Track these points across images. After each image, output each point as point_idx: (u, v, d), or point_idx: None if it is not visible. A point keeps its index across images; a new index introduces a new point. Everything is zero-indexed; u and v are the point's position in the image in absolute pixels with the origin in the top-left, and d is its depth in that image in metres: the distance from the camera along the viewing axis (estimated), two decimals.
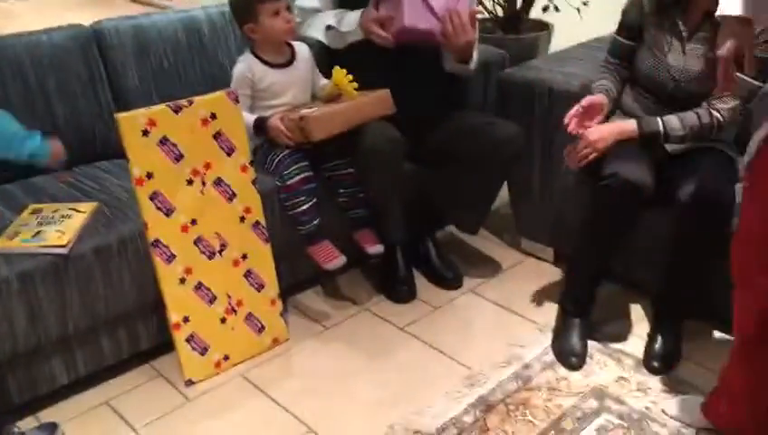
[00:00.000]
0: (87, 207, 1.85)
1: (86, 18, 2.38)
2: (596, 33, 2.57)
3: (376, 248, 2.18)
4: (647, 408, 1.80)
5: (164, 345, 1.98)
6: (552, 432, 1.74)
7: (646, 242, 2.01)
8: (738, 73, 1.43)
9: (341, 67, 2.06)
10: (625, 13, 2.04)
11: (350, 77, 2.04)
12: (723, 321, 2.01)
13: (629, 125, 1.92)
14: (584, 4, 2.99)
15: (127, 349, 1.93)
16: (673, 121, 1.88)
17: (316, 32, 2.17)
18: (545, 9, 3.22)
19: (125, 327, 1.89)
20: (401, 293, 2.29)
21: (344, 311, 2.25)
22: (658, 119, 1.89)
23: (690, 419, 1.74)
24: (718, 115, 1.86)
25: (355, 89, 2.05)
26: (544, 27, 3.22)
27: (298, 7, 2.19)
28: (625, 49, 2.03)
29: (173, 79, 2.30)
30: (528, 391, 1.88)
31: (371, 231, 2.19)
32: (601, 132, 1.89)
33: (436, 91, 2.23)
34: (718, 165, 1.89)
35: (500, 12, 3.23)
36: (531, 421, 1.77)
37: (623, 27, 2.04)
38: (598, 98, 1.93)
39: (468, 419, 1.79)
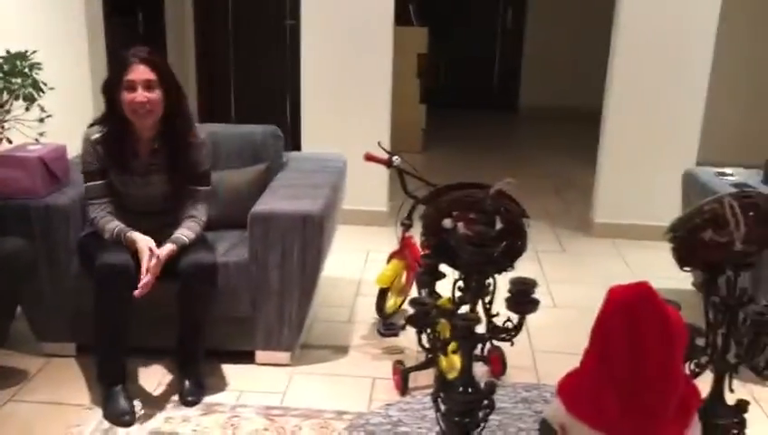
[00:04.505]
0: None
1: None
2: None
3: None
4: (194, 430, 2.35)
5: None
6: None
7: (158, 311, 2.56)
8: None
9: None
10: (84, 163, 2.52)
11: None
12: (225, 354, 2.73)
13: (171, 248, 2.44)
14: (41, 134, 3.39)
15: None
16: (189, 234, 2.51)
17: None
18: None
19: None
20: None
21: None
22: (182, 236, 2.48)
23: None
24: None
25: None
26: None
27: None
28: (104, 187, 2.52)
29: None
30: None
31: None
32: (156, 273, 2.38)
33: None
34: (202, 240, 2.60)
35: None
36: None
37: (89, 174, 2.51)
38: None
39: None
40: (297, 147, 4.36)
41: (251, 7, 5.83)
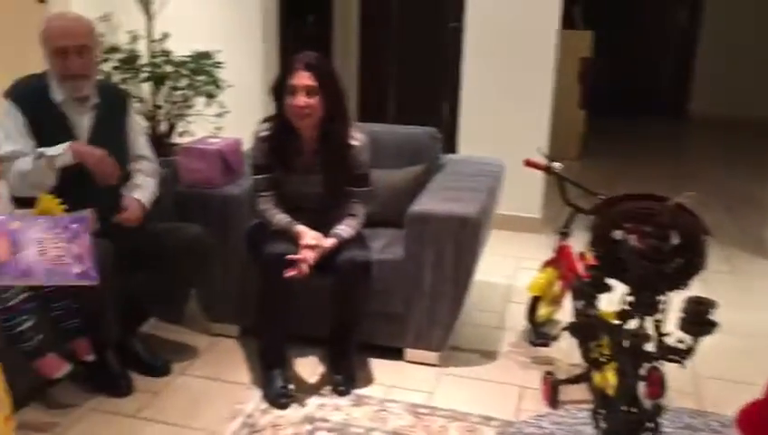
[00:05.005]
0: None
1: None
2: None
3: (91, 357, 2.43)
4: (344, 419, 2.43)
5: None
6: None
7: (316, 303, 2.66)
8: None
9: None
10: (253, 158, 2.65)
11: (58, 200, 2.31)
12: (375, 349, 2.80)
13: (334, 242, 2.53)
14: (218, 128, 3.65)
15: None
16: (348, 231, 2.59)
17: (24, 164, 2.38)
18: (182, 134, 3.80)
19: None
20: (121, 387, 2.54)
21: (69, 416, 2.41)
22: (341, 232, 2.56)
23: None
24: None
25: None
26: None
27: (2, 156, 2.38)
28: (269, 181, 2.64)
29: None
30: (257, 432, 2.34)
31: (85, 340, 2.42)
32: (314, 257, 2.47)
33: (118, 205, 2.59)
34: (358, 238, 2.67)
35: None
36: None
37: (257, 168, 2.64)
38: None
39: None
40: (452, 149, 4.37)
41: (415, 10, 5.92)
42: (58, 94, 2.47)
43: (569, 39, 5.08)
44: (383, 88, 6.06)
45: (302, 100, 2.48)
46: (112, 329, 2.51)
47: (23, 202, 2.39)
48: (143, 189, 2.64)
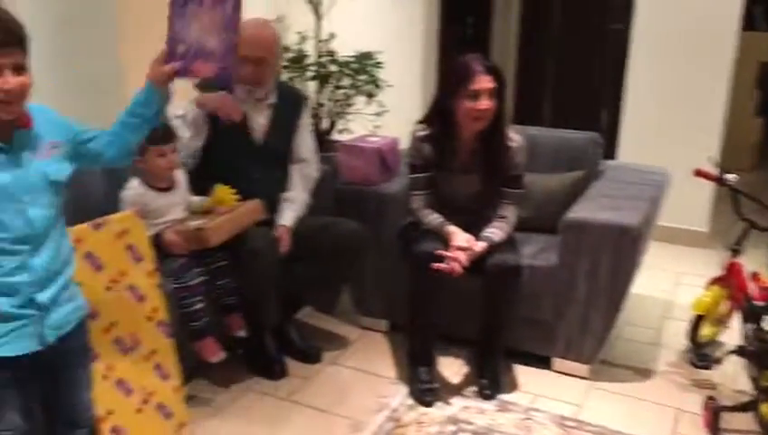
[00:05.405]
0: None
1: None
2: None
3: (242, 332, 2.57)
4: (488, 424, 2.42)
5: None
6: None
7: (465, 305, 2.67)
8: None
9: (205, 184, 2.52)
10: (411, 157, 2.65)
11: (232, 191, 2.48)
12: (522, 356, 2.75)
13: (484, 246, 2.51)
14: (377, 127, 3.75)
15: None
16: (499, 233, 2.57)
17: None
18: (341, 131, 3.93)
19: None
20: (276, 370, 2.68)
21: (228, 394, 2.58)
22: (491, 235, 2.54)
23: None
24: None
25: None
26: None
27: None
28: (424, 180, 2.64)
29: None
30: (401, 427, 2.39)
31: (239, 316, 2.57)
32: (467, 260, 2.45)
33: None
34: (509, 241, 2.64)
35: None
36: None
37: (413, 167, 2.65)
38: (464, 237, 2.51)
39: None
40: (610, 155, 4.20)
41: (577, 12, 5.75)
42: (240, 92, 2.63)
43: (748, 41, 4.71)
44: (540, 90, 5.94)
45: (485, 103, 2.47)
46: (272, 313, 2.65)
47: (198, 192, 2.58)
48: (293, 209, 2.71)
